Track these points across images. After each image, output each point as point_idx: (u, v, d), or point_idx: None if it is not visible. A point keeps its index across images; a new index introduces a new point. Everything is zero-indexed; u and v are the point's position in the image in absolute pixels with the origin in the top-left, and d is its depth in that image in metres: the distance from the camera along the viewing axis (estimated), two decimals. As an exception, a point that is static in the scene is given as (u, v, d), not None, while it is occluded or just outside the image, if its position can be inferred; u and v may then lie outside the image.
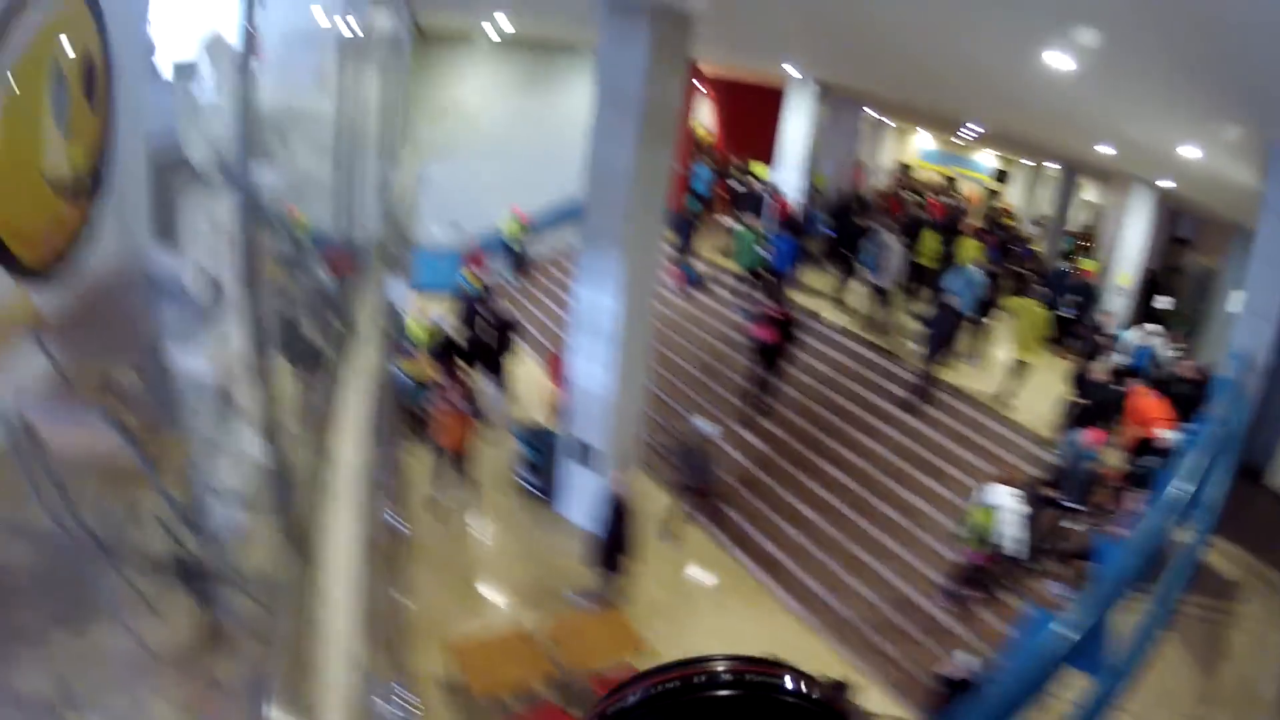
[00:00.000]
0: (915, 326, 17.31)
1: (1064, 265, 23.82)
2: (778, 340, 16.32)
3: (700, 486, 14.29)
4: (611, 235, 12.70)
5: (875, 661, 12.23)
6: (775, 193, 21.64)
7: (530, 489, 14.70)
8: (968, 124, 25.83)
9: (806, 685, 0.76)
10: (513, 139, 24.69)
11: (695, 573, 13.17)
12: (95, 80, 6.51)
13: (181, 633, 4.76)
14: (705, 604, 12.93)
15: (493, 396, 17.32)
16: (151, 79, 8.49)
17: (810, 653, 11.81)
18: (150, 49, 8.07)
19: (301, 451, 6.41)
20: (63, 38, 6.02)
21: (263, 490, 5.91)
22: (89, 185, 6.80)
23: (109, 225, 6.96)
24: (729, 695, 0.74)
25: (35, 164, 6.01)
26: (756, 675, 0.76)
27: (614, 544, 11.53)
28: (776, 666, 0.77)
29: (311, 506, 6.12)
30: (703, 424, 14.80)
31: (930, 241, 19.67)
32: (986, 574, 12.35)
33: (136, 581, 4.37)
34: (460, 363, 16.91)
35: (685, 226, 19.96)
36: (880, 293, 17.71)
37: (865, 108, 26.98)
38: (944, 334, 15.57)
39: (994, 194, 33.49)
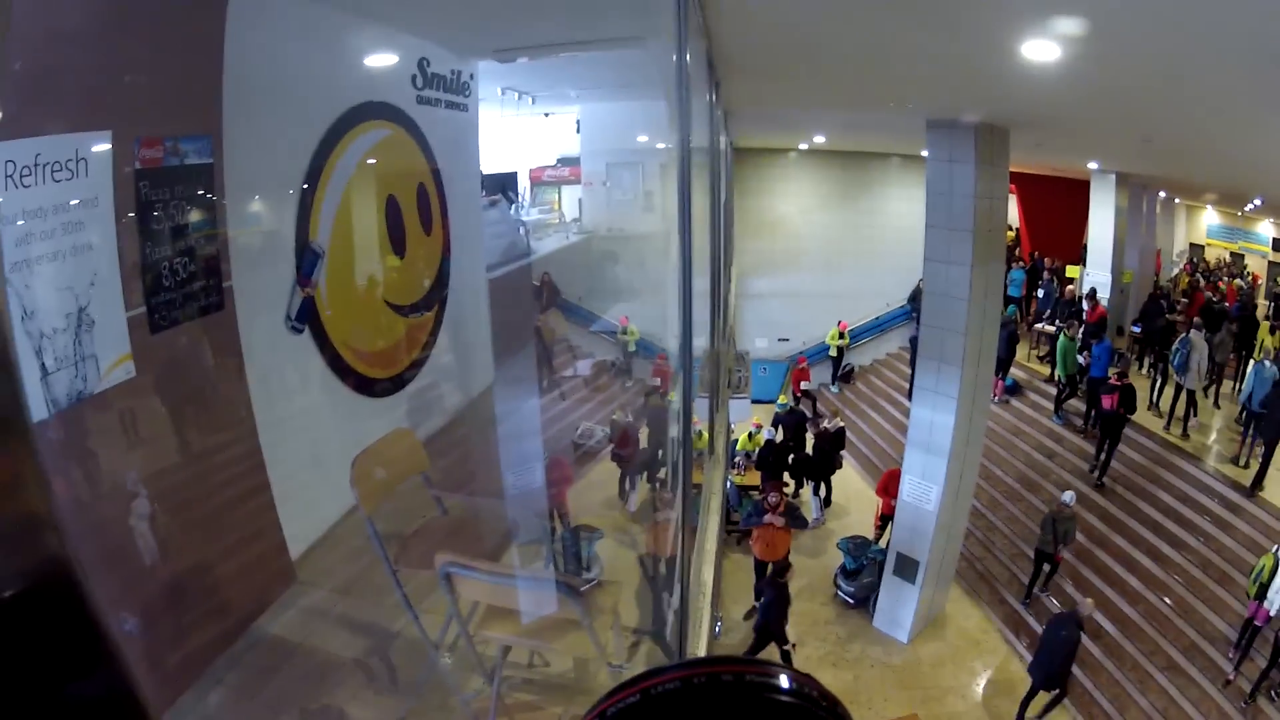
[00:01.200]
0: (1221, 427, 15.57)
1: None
2: (1118, 409, 15.15)
3: (1057, 555, 13.29)
4: (950, 354, 12.47)
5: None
6: (1091, 296, 20.25)
7: (848, 600, 14.13)
8: (1256, 199, 23.10)
9: (807, 686, 0.75)
10: (830, 249, 24.28)
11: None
12: (429, 204, 7.13)
13: None
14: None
15: (814, 507, 16.96)
16: (483, 200, 9.32)
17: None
18: (479, 173, 8.85)
19: (688, 583, 6.51)
20: (391, 165, 6.67)
21: (668, 631, 6.09)
22: (429, 303, 7.40)
23: (450, 339, 7.53)
24: (729, 696, 0.72)
25: (376, 287, 6.61)
26: (757, 676, 0.74)
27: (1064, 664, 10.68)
28: (777, 667, 0.76)
29: (692, 635, 6.17)
30: (1068, 496, 13.82)
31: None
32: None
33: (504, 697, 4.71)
34: (784, 473, 16.71)
35: (1002, 333, 18.84)
36: (1187, 394, 16.01)
37: (1160, 192, 24.80)
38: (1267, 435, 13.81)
39: (1276, 265, 29.45)
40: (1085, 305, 20.01)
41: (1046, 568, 13.06)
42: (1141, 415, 16.26)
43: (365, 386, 5.90)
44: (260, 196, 4.70)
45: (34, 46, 2.82)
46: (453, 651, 4.61)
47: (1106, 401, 15.35)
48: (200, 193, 3.88)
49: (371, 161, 5.76)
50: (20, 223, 2.90)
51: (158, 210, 3.59)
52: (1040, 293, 21.77)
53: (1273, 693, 10.25)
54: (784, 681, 0.74)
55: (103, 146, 3.29)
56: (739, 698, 0.72)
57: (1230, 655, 11.18)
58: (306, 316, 5.03)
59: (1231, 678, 10.91)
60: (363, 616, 4.75)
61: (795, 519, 12.50)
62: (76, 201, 3.13)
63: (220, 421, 4.30)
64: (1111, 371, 15.70)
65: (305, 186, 4.95)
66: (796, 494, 16.56)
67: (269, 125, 4.50)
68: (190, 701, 3.61)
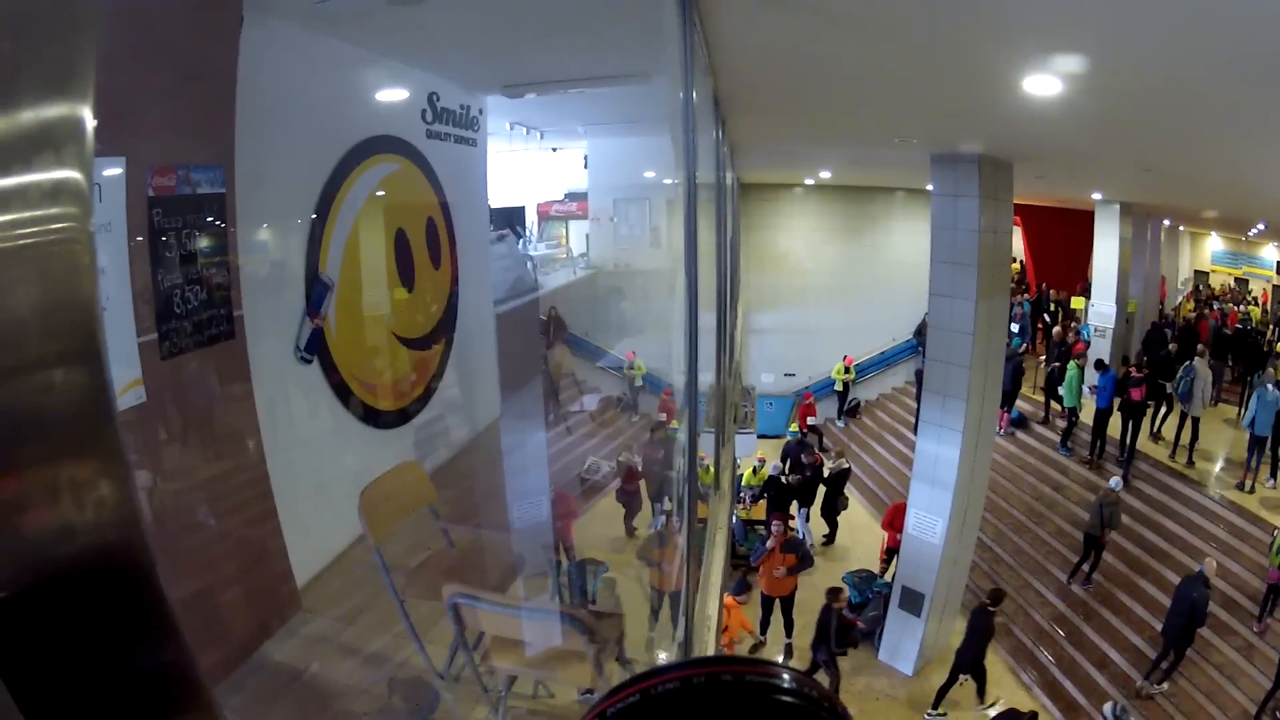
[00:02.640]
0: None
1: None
2: (1144, 397, 15.90)
3: (1103, 539, 13.25)
4: (954, 388, 12.48)
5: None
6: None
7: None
8: (1259, 224, 23.06)
9: (806, 686, 0.74)
10: (836, 283, 24.67)
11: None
12: (438, 238, 7.20)
13: None
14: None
15: (813, 540, 16.90)
16: (491, 236, 9.40)
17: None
18: (487, 207, 8.93)
19: (693, 617, 6.52)
20: (400, 198, 6.74)
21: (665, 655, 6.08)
22: (437, 336, 7.44)
23: (457, 372, 7.57)
24: (729, 695, 0.71)
25: (385, 319, 6.65)
26: (756, 676, 0.73)
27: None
28: (777, 667, 0.75)
29: None
30: (1115, 482, 13.84)
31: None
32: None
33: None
34: (787, 507, 16.66)
35: (1007, 366, 18.89)
36: (1192, 421, 16.10)
37: (1164, 220, 24.82)
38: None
39: None
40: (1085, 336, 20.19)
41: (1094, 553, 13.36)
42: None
43: (373, 417, 5.93)
44: (271, 227, 4.76)
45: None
46: (458, 681, 4.61)
47: (1135, 393, 15.89)
48: (212, 221, 3.94)
49: (381, 194, 5.83)
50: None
51: (169, 237, 3.64)
52: (1015, 327, 21.77)
53: (1277, 713, 10.18)
54: (784, 682, 0.73)
55: (116, 172, 3.34)
56: (739, 698, 0.71)
57: (1255, 628, 11.35)
58: (316, 347, 5.07)
59: (1258, 629, 11.21)
60: (368, 645, 4.75)
61: (800, 552, 12.42)
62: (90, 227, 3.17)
63: (228, 449, 4.33)
64: (1131, 369, 16.24)
65: (315, 218, 5.01)
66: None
67: (280, 157, 4.57)
68: None
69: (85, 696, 0.70)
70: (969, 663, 11.12)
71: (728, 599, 10.77)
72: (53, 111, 0.62)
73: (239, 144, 4.01)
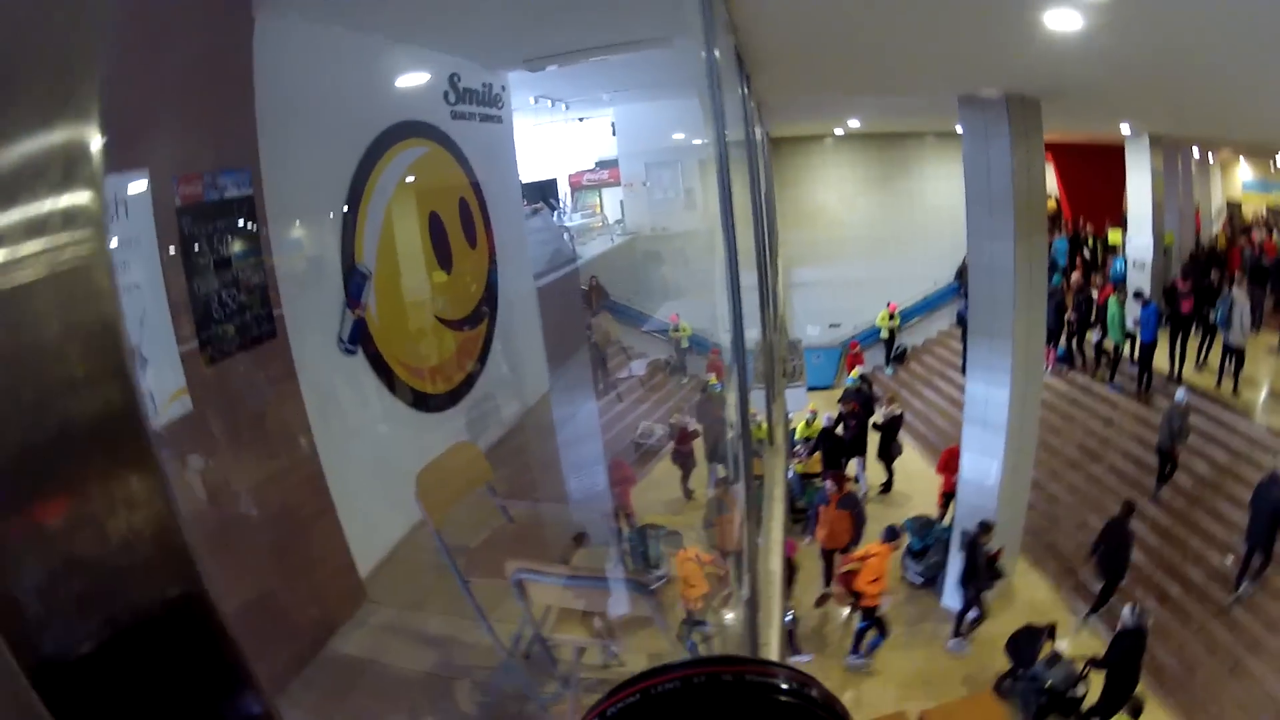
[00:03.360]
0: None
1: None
2: (1193, 310, 16.11)
3: (1174, 452, 13.16)
4: (999, 329, 12.35)
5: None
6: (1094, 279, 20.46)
7: (916, 581, 13.94)
8: None
9: (806, 686, 0.73)
10: (873, 232, 23.81)
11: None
12: (472, 218, 7.20)
13: None
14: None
15: (867, 489, 16.83)
16: (525, 211, 9.39)
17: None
18: (518, 183, 8.92)
19: (756, 574, 6.54)
20: (430, 182, 6.75)
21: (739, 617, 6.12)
22: (479, 315, 7.47)
23: (503, 349, 7.60)
24: (729, 695, 0.72)
25: (425, 303, 6.68)
26: (757, 676, 0.73)
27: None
28: (778, 667, 0.75)
29: (763, 625, 6.20)
30: (1181, 394, 13.77)
31: None
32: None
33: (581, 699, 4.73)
34: (841, 458, 16.57)
35: (1050, 303, 18.56)
36: (1235, 351, 15.80)
37: (1193, 150, 24.14)
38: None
39: None
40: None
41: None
42: (1190, 374, 16.09)
43: (422, 402, 5.97)
44: (303, 223, 4.78)
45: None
46: (528, 657, 4.66)
47: (1185, 305, 16.09)
48: (243, 224, 3.97)
49: (411, 180, 5.83)
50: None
51: (201, 245, 3.67)
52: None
53: None
54: (784, 681, 0.73)
55: (141, 186, 3.37)
56: (739, 697, 0.71)
57: None
58: (358, 337, 5.10)
59: None
60: (435, 629, 4.80)
61: (855, 507, 12.38)
62: (118, 243, 3.20)
63: (281, 447, 4.38)
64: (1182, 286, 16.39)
65: (346, 210, 5.03)
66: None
67: (306, 153, 4.58)
68: None
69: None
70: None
71: (873, 547, 10.93)
72: (58, 136, 0.62)
73: (262, 144, 4.03)
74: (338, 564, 4.55)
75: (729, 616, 6.60)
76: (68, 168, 0.62)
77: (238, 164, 3.90)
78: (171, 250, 3.55)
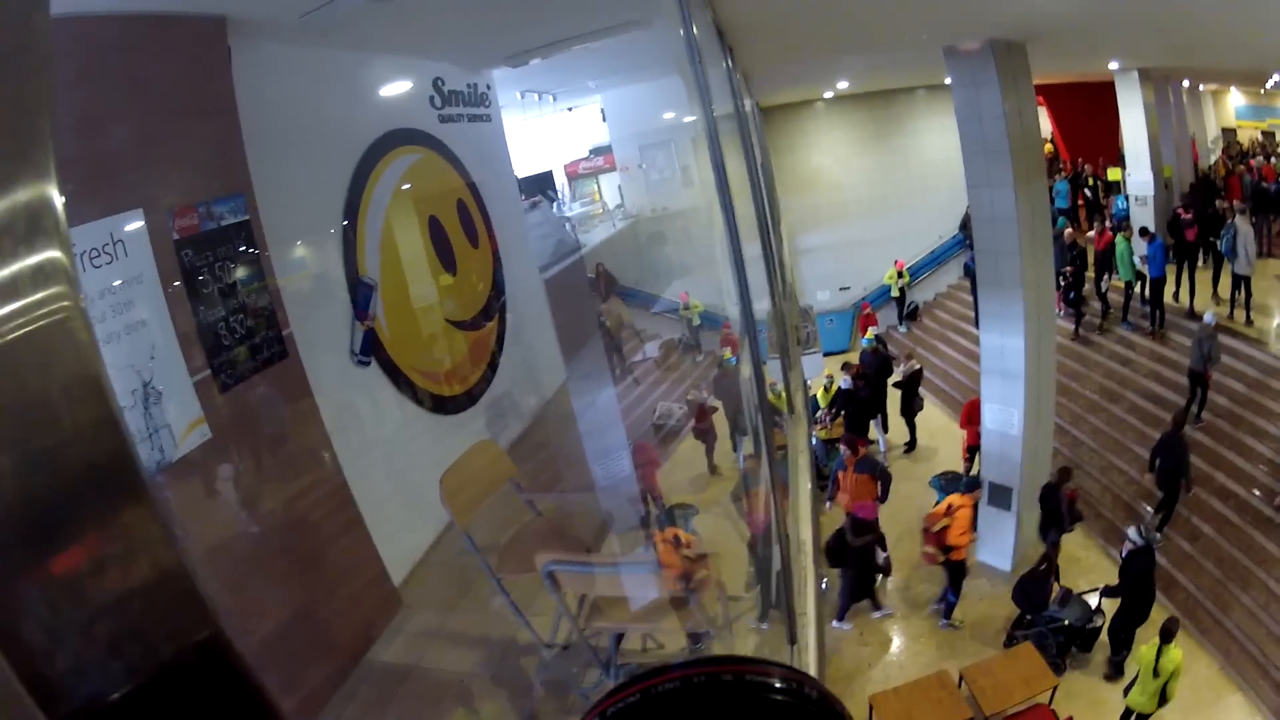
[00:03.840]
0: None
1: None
2: (1197, 237, 16.26)
3: (1206, 374, 13.17)
4: (1008, 278, 12.29)
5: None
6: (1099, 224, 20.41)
7: None
8: (1276, 75, 22.19)
9: (806, 685, 0.75)
10: (874, 191, 23.70)
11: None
12: (471, 218, 7.23)
13: None
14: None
15: (887, 448, 16.81)
16: (524, 205, 9.42)
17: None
18: (514, 179, 8.94)
19: (787, 544, 6.56)
20: (426, 187, 6.78)
21: (773, 591, 6.12)
22: (489, 314, 7.51)
23: (515, 345, 7.64)
24: (729, 695, 0.72)
25: (434, 307, 6.72)
26: (757, 676, 0.73)
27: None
28: (777, 667, 0.75)
29: (798, 595, 6.23)
30: (1209, 316, 13.73)
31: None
32: None
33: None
34: (864, 418, 16.55)
35: (1055, 246, 18.51)
36: (1244, 280, 15.72)
37: (1182, 81, 23.95)
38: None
39: None
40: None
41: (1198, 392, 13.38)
42: (1202, 305, 16.04)
43: (440, 406, 6.02)
44: (303, 242, 4.82)
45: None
46: (567, 649, 4.70)
47: (1190, 234, 16.23)
48: (243, 249, 4.01)
49: (406, 187, 5.86)
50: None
51: (204, 274, 3.72)
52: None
53: None
54: (784, 681, 0.73)
55: (136, 225, 3.41)
56: (738, 697, 0.72)
57: None
58: (370, 348, 5.14)
59: None
60: (472, 630, 4.86)
61: (877, 470, 12.36)
62: (120, 282, 3.25)
63: (303, 465, 4.43)
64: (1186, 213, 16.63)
65: (345, 224, 5.06)
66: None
67: (298, 172, 4.61)
68: None
69: None
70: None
71: (955, 499, 11.03)
72: (20, 195, 0.63)
73: (254, 169, 4.06)
74: (371, 574, 4.60)
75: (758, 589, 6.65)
76: (30, 225, 0.63)
77: (231, 191, 3.94)
78: (175, 283, 3.59)
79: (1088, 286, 17.88)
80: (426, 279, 6.19)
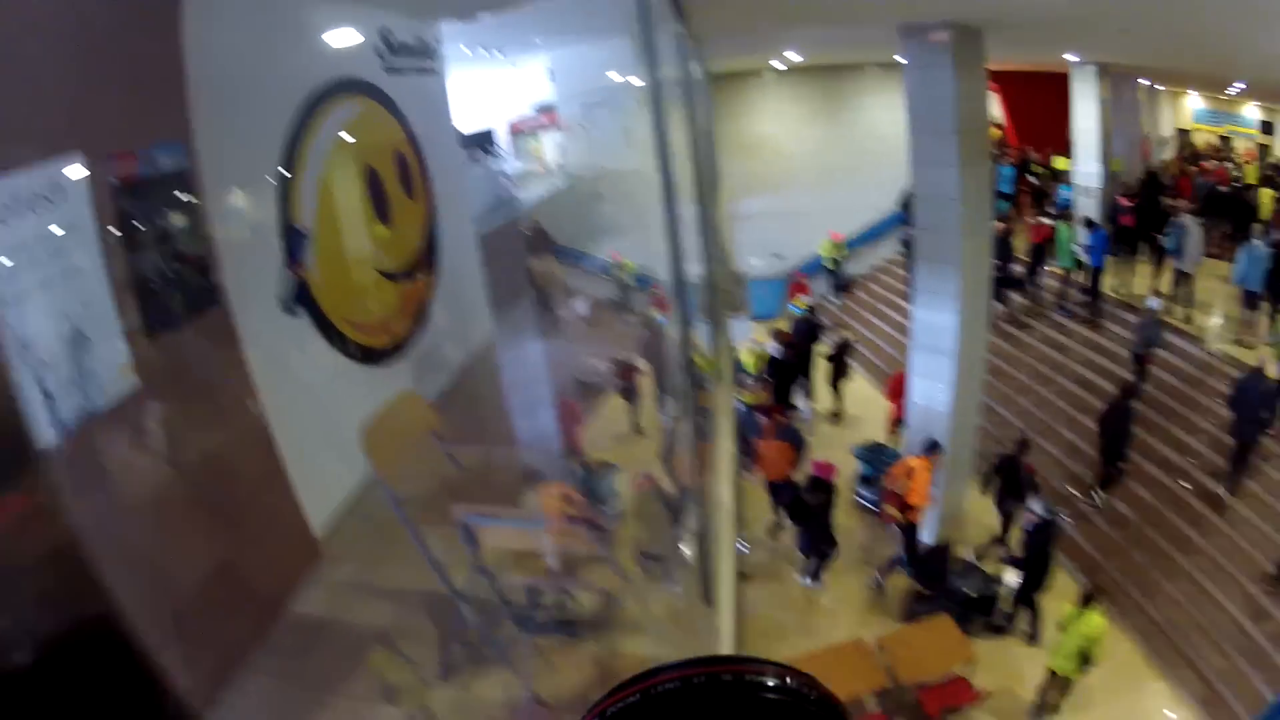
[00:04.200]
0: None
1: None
2: (1135, 223, 17.01)
3: (1147, 359, 14.13)
4: (945, 255, 12.37)
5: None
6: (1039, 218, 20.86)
7: (870, 507, 14.15)
8: (1238, 83, 22.69)
9: (806, 686, 0.74)
10: (816, 163, 23.78)
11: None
12: (409, 171, 7.20)
13: (577, 680, 5.06)
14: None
15: (811, 415, 17.10)
16: (463, 159, 9.36)
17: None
18: (455, 133, 8.88)
19: (707, 506, 6.65)
20: (365, 138, 6.73)
21: (691, 550, 6.24)
22: (421, 267, 7.51)
23: (446, 298, 7.66)
24: (729, 695, 0.72)
25: (366, 258, 6.70)
26: (756, 675, 0.73)
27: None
28: (776, 667, 0.75)
29: (714, 556, 6.35)
30: (1154, 302, 14.42)
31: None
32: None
33: (538, 640, 4.94)
34: (789, 384, 16.76)
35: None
36: (1183, 276, 16.29)
37: (1140, 79, 24.40)
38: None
39: (1265, 149, 28.99)
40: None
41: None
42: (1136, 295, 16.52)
43: (368, 356, 6.04)
44: (239, 189, 4.77)
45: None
46: (483, 602, 4.79)
47: (1125, 220, 17.01)
48: (180, 196, 3.98)
49: (346, 136, 5.83)
50: (4, 260, 3.02)
51: (140, 221, 3.70)
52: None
53: None
54: (784, 681, 0.74)
55: (75, 170, 3.39)
56: (738, 697, 0.72)
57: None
58: (301, 297, 5.14)
59: None
60: (392, 582, 4.92)
61: (793, 437, 12.56)
62: (58, 228, 3.24)
63: (228, 413, 4.43)
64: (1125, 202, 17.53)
65: (283, 171, 5.04)
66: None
67: (240, 119, 4.56)
68: (236, 696, 3.80)
69: None
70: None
71: (913, 460, 11.33)
72: None
73: (196, 115, 4.02)
74: (292, 526, 4.64)
75: (684, 549, 6.78)
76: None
77: (172, 137, 3.91)
78: (111, 229, 3.56)
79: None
80: (361, 230, 6.17)
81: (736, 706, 0.72)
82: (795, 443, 12.36)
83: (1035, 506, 10.35)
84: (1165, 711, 9.62)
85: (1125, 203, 17.01)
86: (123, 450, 3.62)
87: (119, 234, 3.59)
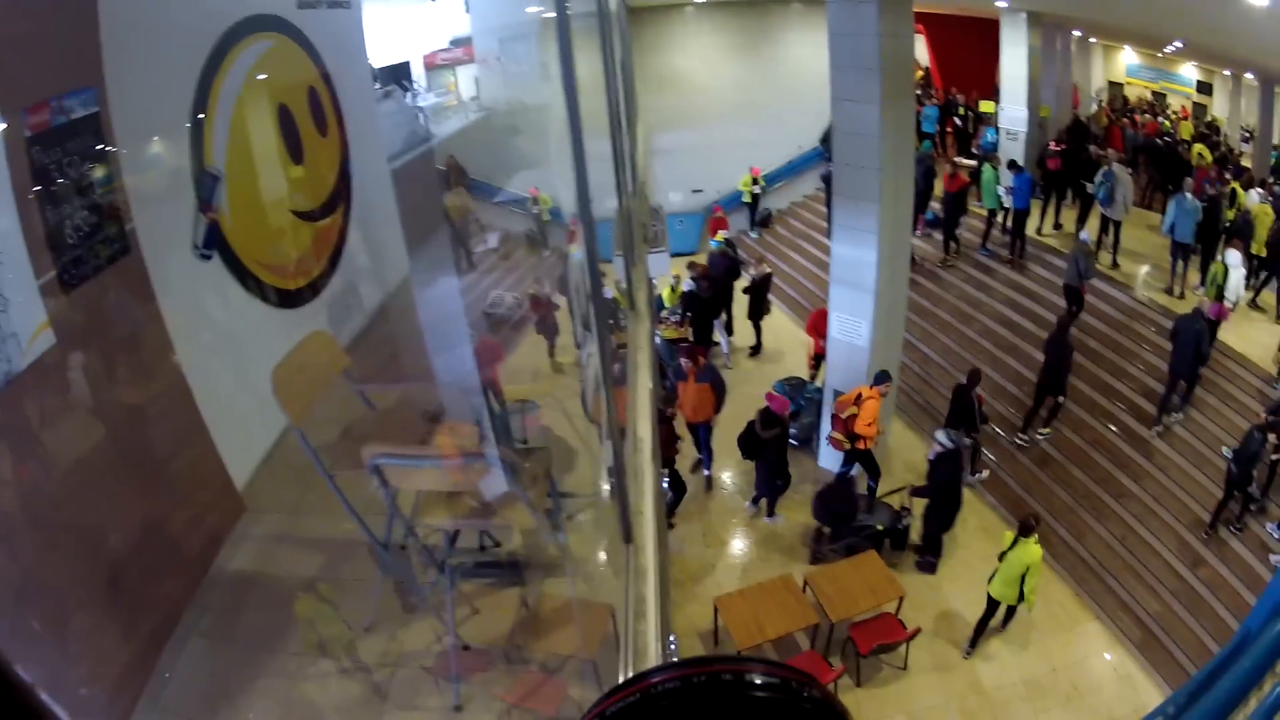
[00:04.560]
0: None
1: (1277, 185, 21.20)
2: (1061, 167, 17.48)
3: (1082, 289, 14.67)
4: (865, 192, 12.26)
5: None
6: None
7: (792, 442, 14.24)
8: (1177, 41, 23.24)
9: (806, 686, 0.75)
10: (737, 98, 23.56)
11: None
12: (322, 108, 7.04)
13: (502, 624, 5.14)
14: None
15: (730, 350, 17.33)
16: (377, 95, 9.17)
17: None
18: (369, 68, 8.69)
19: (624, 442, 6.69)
20: (278, 75, 6.56)
21: (607, 486, 6.29)
22: (334, 204, 7.39)
23: (360, 236, 7.56)
24: (729, 695, 0.73)
25: (280, 199, 6.58)
26: (757, 675, 0.74)
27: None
28: (777, 668, 0.76)
29: (632, 493, 6.43)
30: (1085, 235, 15.24)
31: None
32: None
33: (460, 584, 4.97)
34: (708, 320, 16.91)
35: (919, 168, 19.23)
36: (1114, 225, 16.80)
37: (1074, 31, 24.79)
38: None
39: (1201, 108, 29.93)
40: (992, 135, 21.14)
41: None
42: (1067, 245, 16.86)
43: (284, 299, 5.97)
44: (150, 131, 4.62)
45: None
46: (404, 548, 4.82)
47: (1051, 164, 17.36)
48: (91, 143, 3.87)
49: (258, 74, 5.67)
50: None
51: (53, 171, 3.60)
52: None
53: (1232, 527, 10.80)
54: (784, 681, 0.75)
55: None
56: (739, 697, 0.73)
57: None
58: (214, 242, 5.05)
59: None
60: (314, 532, 4.94)
61: (714, 377, 12.70)
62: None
63: (145, 366, 4.37)
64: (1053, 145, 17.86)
65: (194, 112, 4.91)
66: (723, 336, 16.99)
67: (151, 59, 4.41)
68: (171, 658, 3.82)
69: None
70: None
71: (865, 390, 11.60)
72: None
73: (106, 58, 3.90)
74: (213, 479, 4.61)
75: (605, 488, 6.88)
76: None
77: (83, 83, 3.80)
78: (23, 183, 3.47)
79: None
80: (273, 169, 6.04)
81: (736, 706, 0.73)
82: (717, 385, 12.49)
83: (940, 436, 10.69)
84: (1105, 655, 10.11)
85: (1054, 146, 17.47)
86: (44, 411, 3.57)
87: (33, 186, 3.49)
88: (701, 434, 12.93)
